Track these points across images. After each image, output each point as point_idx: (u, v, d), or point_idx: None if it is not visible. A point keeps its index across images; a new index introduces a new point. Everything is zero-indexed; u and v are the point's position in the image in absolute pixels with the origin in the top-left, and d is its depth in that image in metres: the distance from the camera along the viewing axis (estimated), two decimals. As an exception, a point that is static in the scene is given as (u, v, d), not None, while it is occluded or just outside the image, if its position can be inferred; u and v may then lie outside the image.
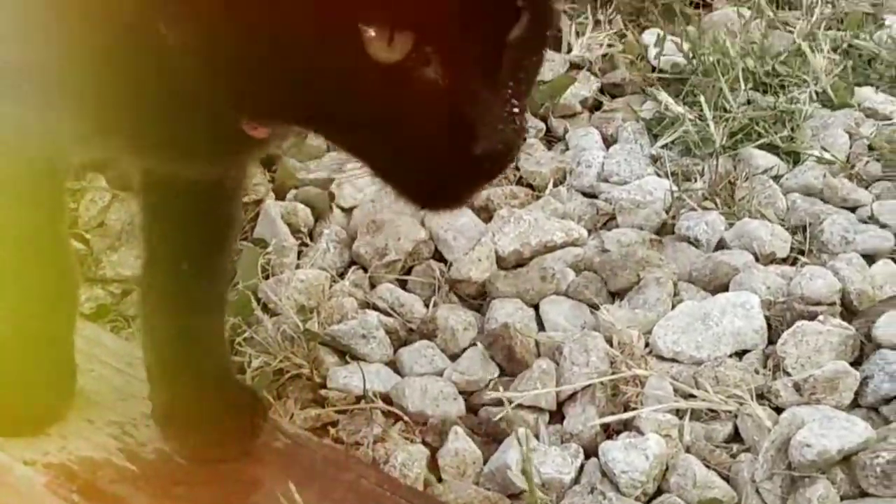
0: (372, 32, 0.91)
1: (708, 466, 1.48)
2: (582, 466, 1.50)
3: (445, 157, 0.96)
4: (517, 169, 2.00)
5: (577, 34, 2.29)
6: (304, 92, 0.96)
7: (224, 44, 0.97)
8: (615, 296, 1.73)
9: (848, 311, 1.70)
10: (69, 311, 1.35)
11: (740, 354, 1.63)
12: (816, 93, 2.17)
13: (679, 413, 1.54)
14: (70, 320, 1.35)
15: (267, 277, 1.73)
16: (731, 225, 1.84)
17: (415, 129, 0.95)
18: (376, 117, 0.95)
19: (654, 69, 2.24)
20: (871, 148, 2.06)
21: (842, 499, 1.43)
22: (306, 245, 1.83)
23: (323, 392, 1.59)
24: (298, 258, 1.81)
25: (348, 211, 1.90)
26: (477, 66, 0.95)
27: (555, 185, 1.97)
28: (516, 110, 0.97)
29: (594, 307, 1.70)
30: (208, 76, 1.00)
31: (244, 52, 0.96)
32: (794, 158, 2.01)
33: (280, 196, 1.91)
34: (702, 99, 2.07)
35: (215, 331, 1.36)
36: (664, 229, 1.86)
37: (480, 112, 0.95)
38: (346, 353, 1.64)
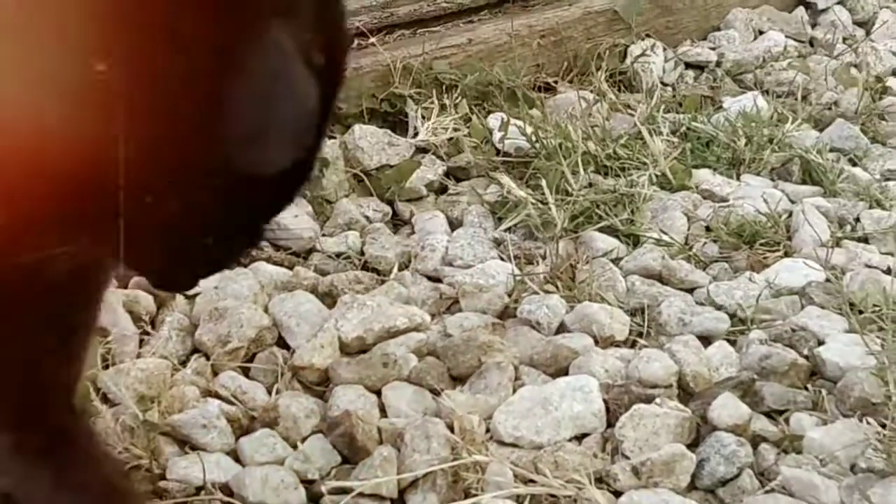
0: None
1: (549, 555, 1.47)
2: (424, 558, 1.48)
3: None
4: (362, 254, 1.99)
5: (423, 118, 2.29)
6: None
7: None
8: (457, 380, 1.72)
9: (685, 392, 1.70)
10: None
11: (580, 438, 1.62)
12: (655, 175, 2.20)
13: (519, 499, 1.53)
14: None
15: (107, 367, 1.69)
16: (571, 308, 1.84)
17: None
18: None
19: (498, 152, 2.25)
20: (708, 229, 2.09)
21: (679, 583, 1.43)
22: (148, 333, 1.79)
23: (163, 483, 1.55)
24: (140, 346, 1.77)
25: (191, 298, 1.86)
26: None
27: (399, 270, 1.97)
28: None
29: (436, 392, 1.68)
30: None
31: None
32: (634, 241, 2.03)
33: (123, 285, 1.87)
34: (544, 183, 2.08)
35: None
36: (506, 312, 1.86)
37: None
38: (186, 443, 1.61)
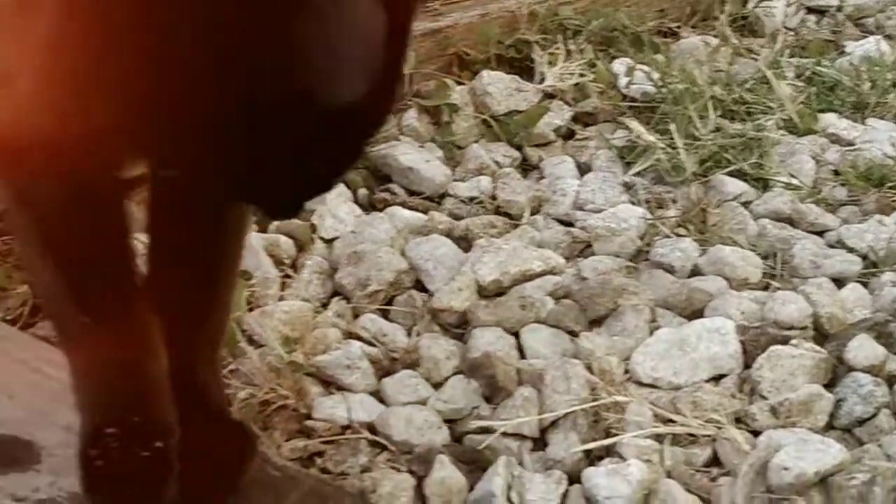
0: None
1: (689, 491, 1.48)
2: (566, 493, 1.49)
3: None
4: (494, 198, 2.00)
5: (549, 64, 2.28)
6: None
7: None
8: (594, 323, 1.73)
9: (820, 334, 1.70)
10: None
11: (717, 379, 1.63)
12: (782, 119, 2.18)
13: (659, 438, 1.54)
14: None
15: (251, 309, 1.71)
16: (704, 251, 1.84)
17: None
18: None
19: (624, 97, 2.24)
20: (836, 173, 2.07)
21: (820, 520, 1.44)
22: (289, 276, 1.82)
23: (309, 423, 1.58)
24: (282, 289, 1.79)
25: (330, 242, 1.89)
26: None
27: (531, 214, 1.97)
28: None
29: (573, 334, 1.70)
30: None
31: None
32: (763, 184, 2.02)
33: (262, 228, 1.90)
34: (672, 127, 2.07)
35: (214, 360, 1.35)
36: (639, 256, 1.86)
37: None
38: (330, 384, 1.63)
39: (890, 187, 2.03)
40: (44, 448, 1.35)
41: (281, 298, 1.76)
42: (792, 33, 2.59)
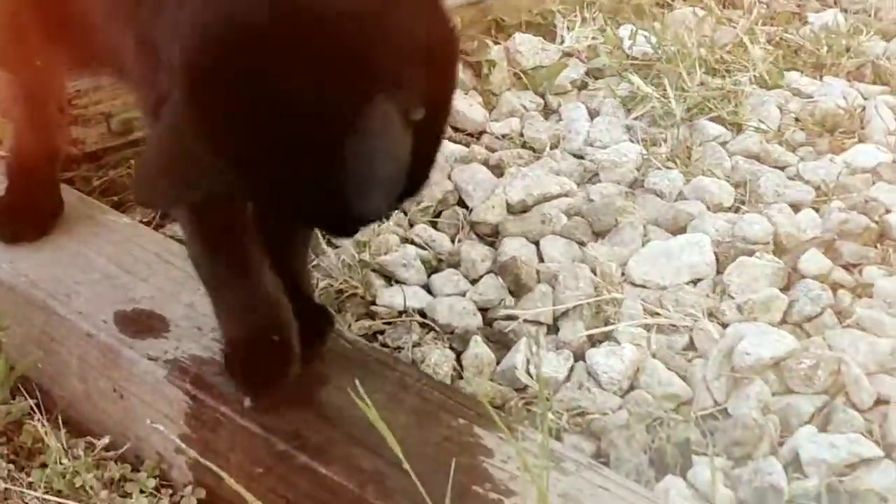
0: None
1: (669, 369, 1.49)
2: (572, 368, 1.52)
3: None
4: (521, 135, 2.00)
5: (568, 29, 2.27)
6: None
7: None
8: (598, 235, 1.73)
9: (779, 248, 1.69)
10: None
11: (695, 282, 1.64)
12: (755, 76, 2.16)
13: (647, 327, 1.55)
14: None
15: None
16: (688, 181, 1.84)
17: None
18: None
19: (627, 57, 2.21)
20: (797, 120, 2.05)
21: (773, 395, 1.45)
22: (359, 194, 1.83)
23: (373, 308, 1.61)
24: (353, 203, 1.81)
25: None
26: None
27: (551, 149, 1.97)
28: None
29: (582, 244, 1.71)
30: None
31: None
32: (737, 128, 2.00)
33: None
34: (665, 81, 2.06)
35: (305, 263, 1.38)
36: (636, 184, 1.86)
37: None
38: (390, 278, 1.65)
39: (840, 132, 2.01)
40: (171, 320, 1.39)
41: (353, 210, 1.78)
42: (764, 6, 2.56)
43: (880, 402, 1.43)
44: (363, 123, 0.98)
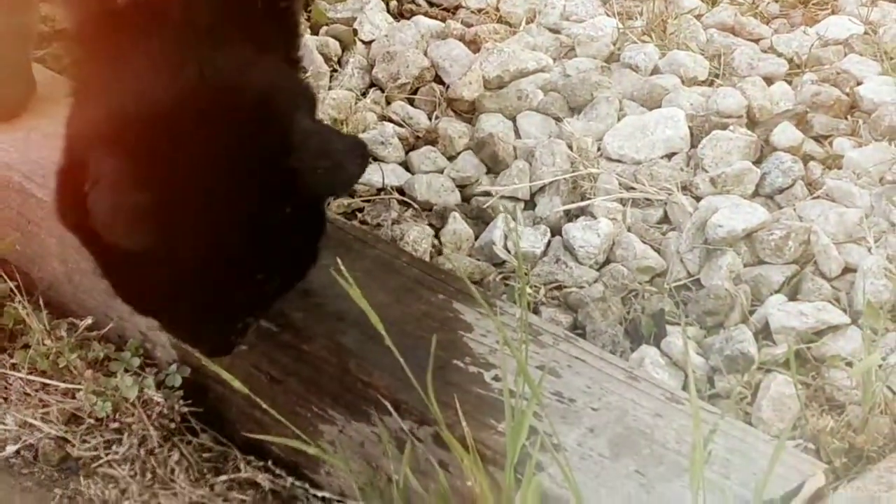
0: None
1: (644, 242, 1.50)
2: (549, 242, 1.52)
3: None
4: (497, 10, 1.98)
5: None
6: None
7: None
8: (574, 111, 1.72)
9: (752, 122, 1.69)
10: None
11: (669, 156, 1.64)
12: (728, -52, 2.12)
13: (622, 202, 1.56)
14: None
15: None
16: (663, 54, 1.82)
17: None
18: None
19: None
20: (770, -9, 2.04)
21: (744, 266, 1.46)
22: (336, 71, 1.82)
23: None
24: (330, 81, 1.80)
25: (368, 43, 1.88)
26: None
27: (527, 23, 1.94)
28: None
29: (558, 120, 1.70)
30: None
31: None
32: (712, 1, 1.98)
33: (315, 31, 1.89)
34: (640, -47, 2.03)
35: None
36: (612, 58, 1.84)
37: None
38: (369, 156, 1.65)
39: (814, 4, 1.99)
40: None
41: (329, 88, 1.77)
42: None
43: (848, 270, 1.45)
44: None
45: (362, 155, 1.10)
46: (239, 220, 1.05)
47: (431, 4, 1.99)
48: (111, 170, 1.01)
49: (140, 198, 1.01)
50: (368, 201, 1.58)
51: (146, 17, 1.07)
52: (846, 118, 1.70)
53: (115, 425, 1.29)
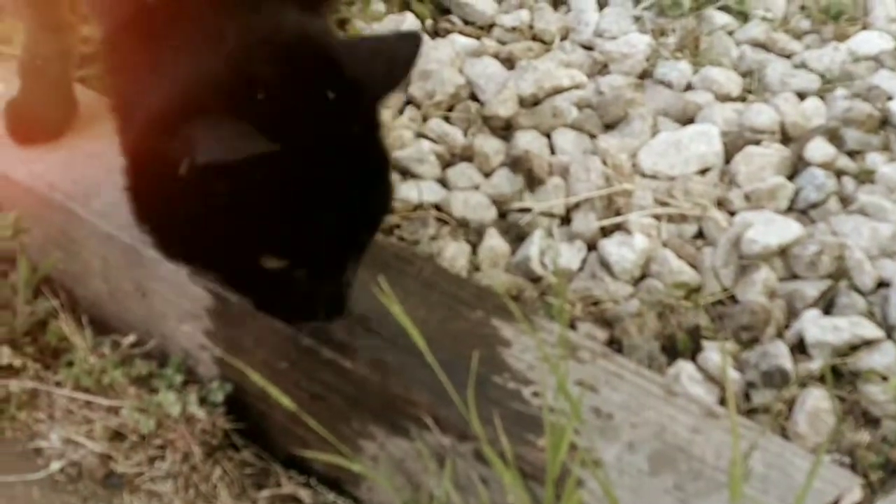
0: None
1: (679, 257, 1.50)
2: (585, 258, 1.53)
3: None
4: (531, 27, 1.98)
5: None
6: None
7: None
8: (608, 127, 1.72)
9: (785, 137, 1.69)
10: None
11: (703, 172, 1.63)
12: (761, -36, 2.12)
13: (657, 217, 1.55)
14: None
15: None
16: (696, 70, 1.82)
17: None
18: None
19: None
20: (802, 8, 2.02)
21: (779, 280, 1.46)
22: (372, 89, 1.82)
23: (391, 203, 1.61)
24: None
25: (404, 62, 1.88)
26: None
27: (561, 40, 1.94)
28: None
29: (593, 136, 1.70)
30: None
31: None
32: (744, 17, 1.98)
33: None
34: (674, -28, 2.03)
35: None
36: (645, 75, 1.84)
37: None
38: (406, 173, 1.65)
39: (845, 20, 1.98)
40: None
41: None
42: None
43: (882, 284, 1.44)
44: None
45: (412, 38, 1.16)
46: (338, 152, 1.08)
47: (466, 23, 1.99)
48: (215, 130, 1.04)
49: (259, 141, 1.03)
50: (405, 218, 1.58)
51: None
52: (878, 133, 1.69)
53: (158, 441, 1.29)
